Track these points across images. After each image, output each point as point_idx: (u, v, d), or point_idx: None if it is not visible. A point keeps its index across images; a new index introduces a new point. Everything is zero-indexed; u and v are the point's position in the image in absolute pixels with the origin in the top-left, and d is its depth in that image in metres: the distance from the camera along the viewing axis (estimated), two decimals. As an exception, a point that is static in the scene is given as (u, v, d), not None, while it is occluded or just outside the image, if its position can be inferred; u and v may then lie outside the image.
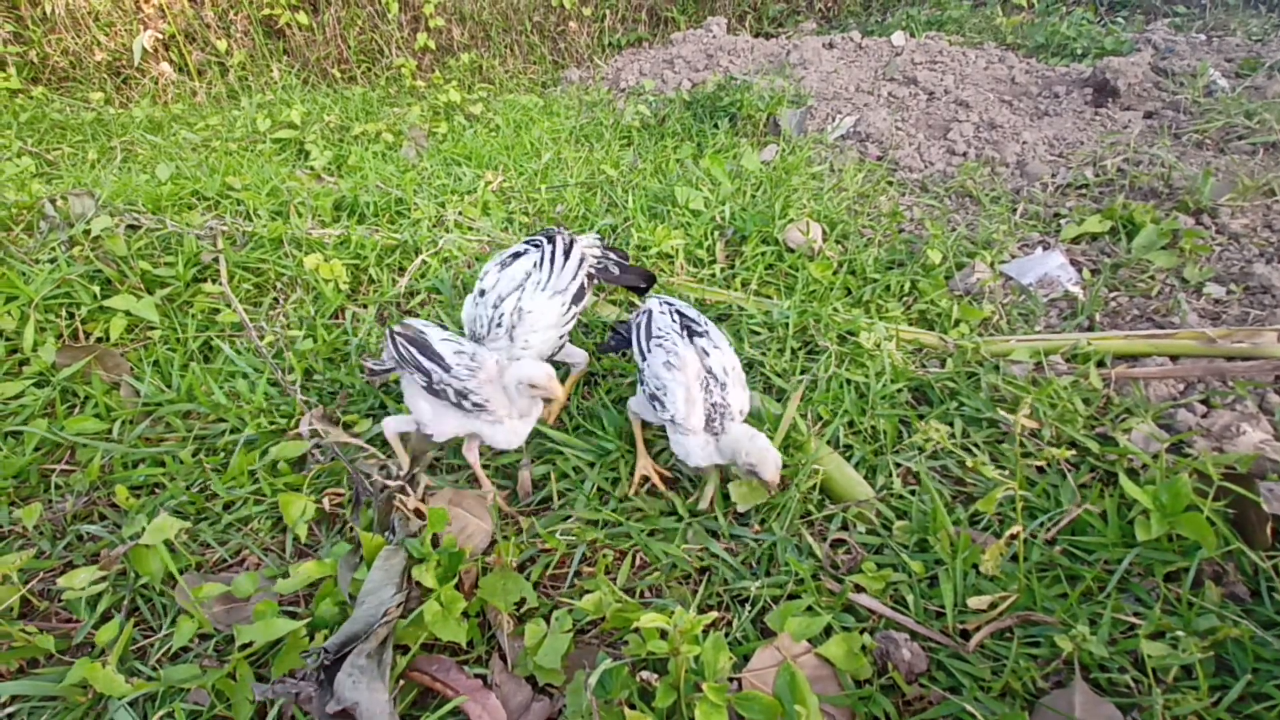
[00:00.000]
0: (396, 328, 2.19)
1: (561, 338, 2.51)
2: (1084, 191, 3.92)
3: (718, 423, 2.12)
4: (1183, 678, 1.72)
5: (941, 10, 7.36)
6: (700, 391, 2.13)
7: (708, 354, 2.19)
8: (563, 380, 2.63)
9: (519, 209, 4.08)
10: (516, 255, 2.51)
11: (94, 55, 6.45)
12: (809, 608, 1.93)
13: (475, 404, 2.16)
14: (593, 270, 2.61)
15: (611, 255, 2.72)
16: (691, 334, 2.25)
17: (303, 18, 6.60)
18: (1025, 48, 6.30)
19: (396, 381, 2.35)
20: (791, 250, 3.47)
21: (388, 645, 1.78)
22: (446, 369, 2.13)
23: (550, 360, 2.47)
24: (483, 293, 2.45)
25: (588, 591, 1.92)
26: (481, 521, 2.22)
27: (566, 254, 2.49)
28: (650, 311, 2.35)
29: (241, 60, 6.64)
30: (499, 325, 2.38)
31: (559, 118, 5.57)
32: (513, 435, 2.24)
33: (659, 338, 2.25)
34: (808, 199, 3.90)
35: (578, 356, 2.68)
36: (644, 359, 2.26)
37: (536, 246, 2.51)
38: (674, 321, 2.28)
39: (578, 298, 2.49)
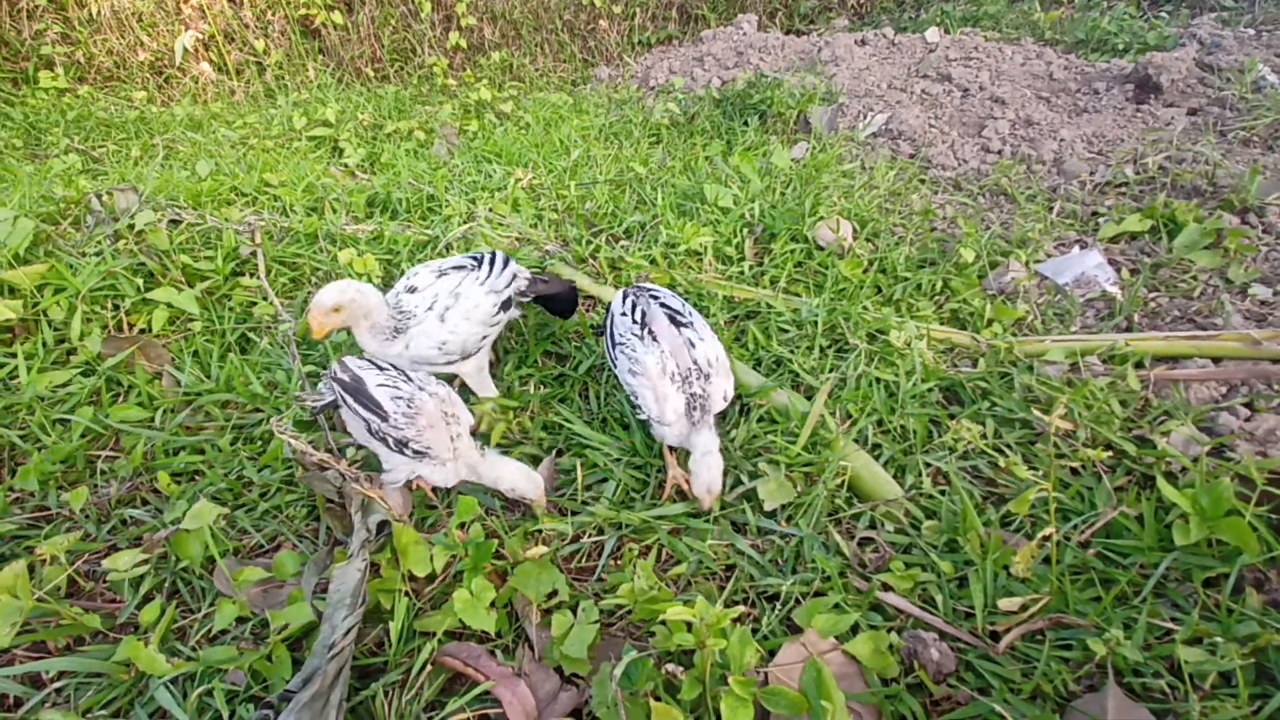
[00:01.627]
0: (335, 368, 2.17)
1: (484, 338, 2.53)
2: (1123, 190, 3.84)
3: (697, 412, 2.21)
4: (1221, 685, 1.68)
5: (977, 6, 7.25)
6: (670, 387, 2.22)
7: (694, 345, 2.28)
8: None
9: (548, 206, 4.11)
10: (457, 268, 2.56)
11: (137, 55, 6.62)
12: (836, 605, 1.93)
13: (416, 451, 2.11)
14: (522, 291, 2.65)
15: (538, 279, 2.74)
16: (677, 324, 2.32)
17: (338, 17, 6.71)
18: (1064, 43, 6.19)
19: (337, 410, 2.30)
20: (821, 248, 3.45)
21: (338, 684, 1.68)
22: (384, 417, 2.08)
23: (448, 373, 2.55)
24: (412, 290, 2.48)
25: (611, 590, 1.94)
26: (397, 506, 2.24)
27: (505, 263, 2.60)
28: (612, 315, 2.43)
29: (278, 60, 6.77)
30: (430, 308, 2.42)
31: (588, 115, 5.59)
32: (452, 476, 2.20)
33: (621, 344, 2.34)
34: (838, 197, 3.88)
35: (486, 390, 2.66)
36: (614, 364, 2.38)
37: (476, 260, 2.60)
38: (634, 322, 2.35)
39: (505, 305, 2.56)
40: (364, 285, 2.32)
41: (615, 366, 2.38)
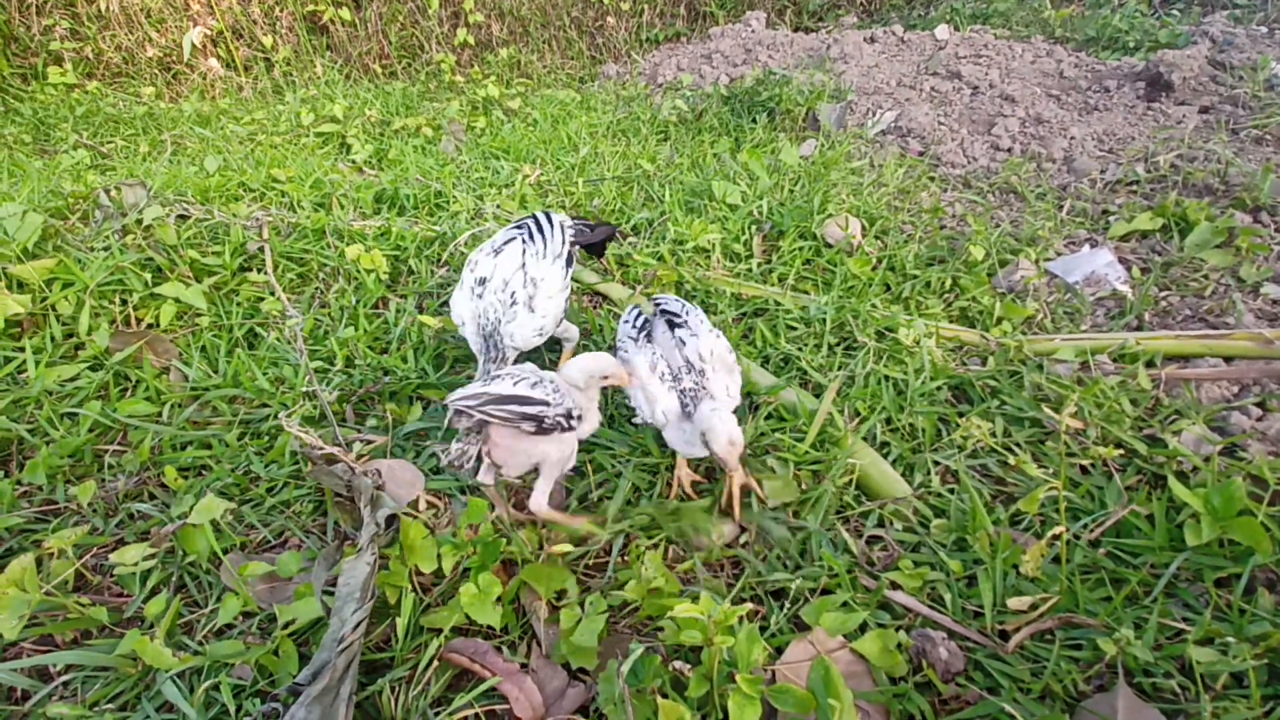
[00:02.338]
0: (467, 403, 1.94)
1: (567, 301, 2.62)
2: (1134, 188, 3.81)
3: (691, 405, 2.13)
4: (1232, 686, 1.67)
5: (987, 3, 7.20)
6: (660, 386, 2.17)
7: (684, 343, 2.23)
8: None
9: (556, 202, 4.10)
10: (507, 242, 2.61)
11: (146, 51, 6.64)
12: (844, 604, 1.91)
13: (579, 416, 2.10)
14: (572, 238, 2.73)
15: (581, 224, 2.86)
16: (671, 326, 2.29)
17: (345, 14, 6.72)
18: (1075, 41, 6.15)
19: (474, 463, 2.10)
20: (830, 245, 3.44)
21: (347, 678, 1.67)
22: (546, 403, 2.02)
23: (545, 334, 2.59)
24: (482, 281, 2.52)
25: (620, 586, 1.94)
26: (413, 481, 2.25)
27: (550, 222, 2.64)
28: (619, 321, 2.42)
29: (286, 56, 6.78)
30: (514, 304, 2.46)
31: (596, 113, 5.58)
32: (592, 426, 2.22)
33: (619, 348, 2.34)
34: (847, 194, 3.86)
35: (572, 331, 2.78)
36: None
37: (519, 228, 2.65)
38: (633, 328, 2.34)
39: (569, 261, 2.65)
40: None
41: None
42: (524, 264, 2.53)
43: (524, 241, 2.59)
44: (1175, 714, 1.63)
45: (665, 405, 2.16)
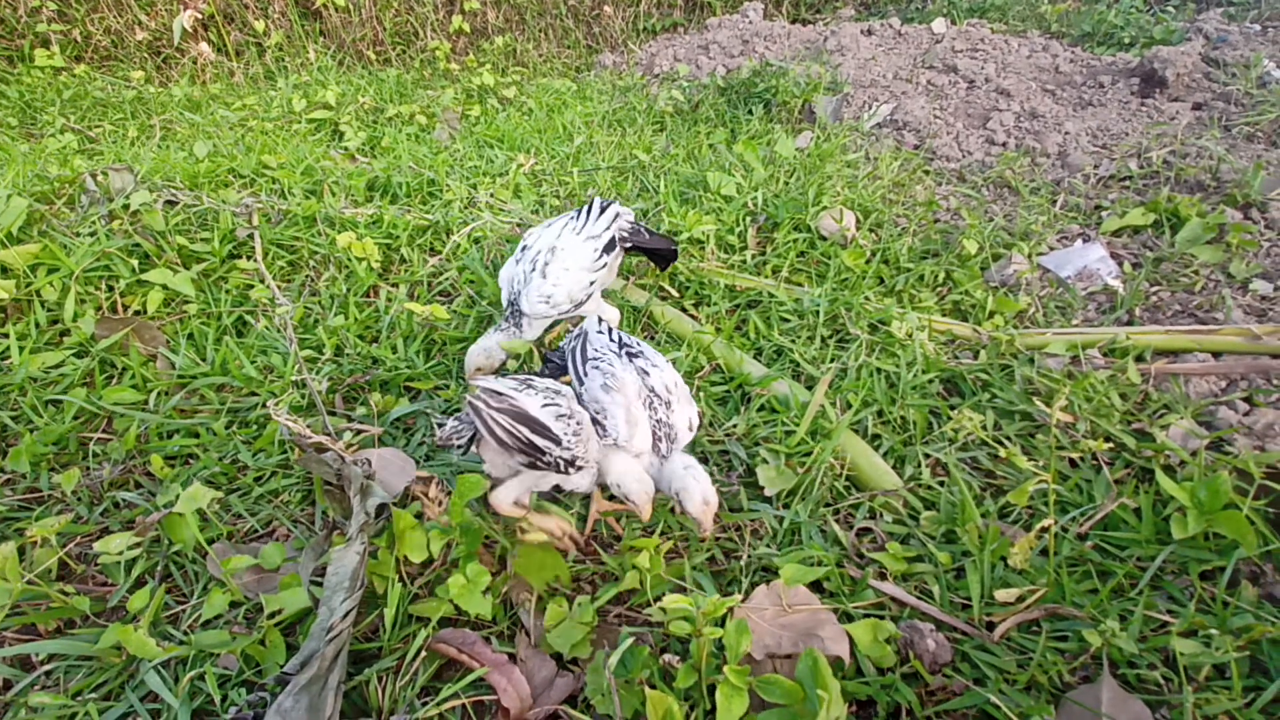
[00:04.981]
0: (485, 399, 1.80)
1: (592, 284, 2.61)
2: (1127, 183, 3.81)
3: (664, 443, 2.02)
4: (1215, 677, 1.68)
5: (983, -3, 7.19)
6: (643, 412, 2.01)
7: (647, 373, 2.09)
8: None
9: (550, 192, 4.08)
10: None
11: (135, 34, 6.54)
12: (833, 594, 1.92)
13: (578, 467, 1.91)
14: (625, 234, 2.71)
15: (641, 227, 2.81)
16: (630, 356, 2.14)
17: (339, -1, 6.64)
18: (1070, 36, 6.14)
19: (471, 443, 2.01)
20: (824, 238, 3.43)
21: (335, 667, 1.65)
22: (557, 441, 1.83)
23: (576, 314, 2.62)
24: (524, 248, 2.63)
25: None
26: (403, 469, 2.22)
27: (602, 210, 2.66)
28: (585, 334, 2.23)
29: (278, 41, 6.70)
30: (534, 270, 2.52)
31: (592, 102, 5.55)
32: (592, 477, 2.03)
33: (596, 359, 2.12)
34: (842, 187, 3.85)
35: (610, 313, 2.77)
36: (582, 381, 2.13)
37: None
38: (612, 341, 2.17)
39: (609, 247, 2.63)
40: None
41: (584, 384, 2.11)
42: (560, 233, 2.59)
43: (571, 219, 2.65)
44: (1158, 705, 1.65)
45: (645, 433, 2.01)
